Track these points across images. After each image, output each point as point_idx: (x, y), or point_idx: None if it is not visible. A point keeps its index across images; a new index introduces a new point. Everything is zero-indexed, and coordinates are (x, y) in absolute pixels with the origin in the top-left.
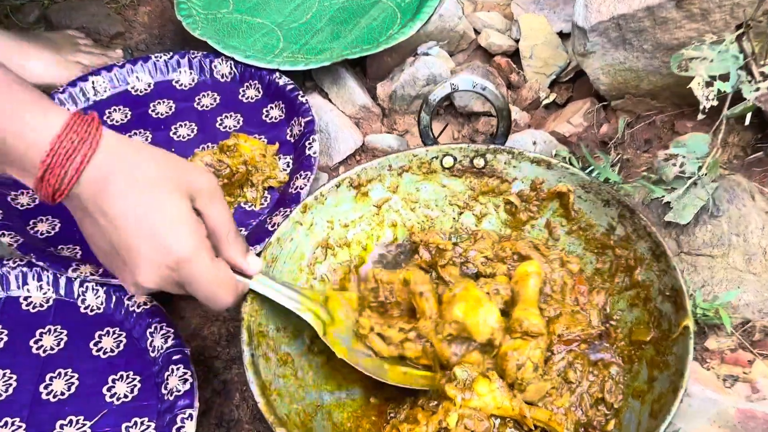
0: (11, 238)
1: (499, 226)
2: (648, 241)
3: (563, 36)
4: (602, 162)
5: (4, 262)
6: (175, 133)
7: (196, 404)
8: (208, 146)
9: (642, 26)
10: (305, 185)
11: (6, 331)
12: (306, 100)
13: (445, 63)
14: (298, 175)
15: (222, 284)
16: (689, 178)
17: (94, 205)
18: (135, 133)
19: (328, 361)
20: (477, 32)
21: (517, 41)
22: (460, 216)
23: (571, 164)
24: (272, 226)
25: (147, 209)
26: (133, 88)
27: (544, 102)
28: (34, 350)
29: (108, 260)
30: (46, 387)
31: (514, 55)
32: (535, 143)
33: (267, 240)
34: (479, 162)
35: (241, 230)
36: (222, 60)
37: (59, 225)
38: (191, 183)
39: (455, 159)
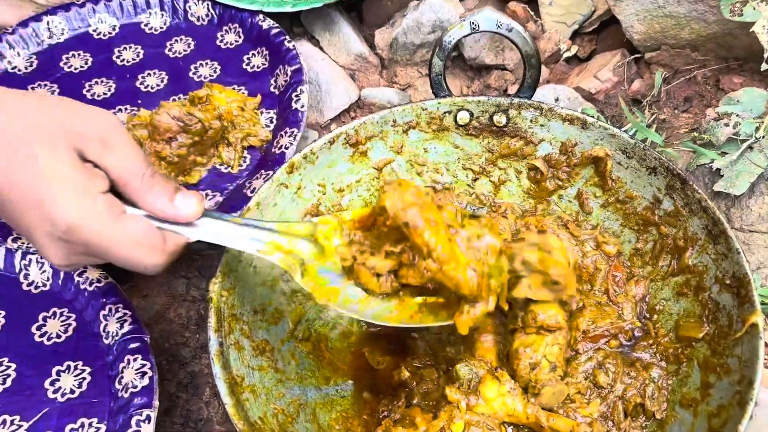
0: None
1: (521, 196)
2: (703, 217)
3: None
4: (638, 120)
5: None
6: (142, 83)
7: (156, 403)
8: (179, 98)
9: None
10: (291, 144)
11: None
12: (293, 46)
13: (454, 8)
14: (282, 133)
15: (137, 244)
16: (744, 140)
17: None
18: (96, 82)
19: (315, 348)
20: None
21: None
22: (475, 183)
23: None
24: (252, 191)
25: (24, 175)
26: (95, 30)
27: (565, 55)
28: None
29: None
30: None
31: (532, 2)
32: (557, 100)
33: (245, 206)
34: (500, 119)
35: (214, 196)
36: (198, 0)
37: None
38: (74, 130)
39: (472, 115)
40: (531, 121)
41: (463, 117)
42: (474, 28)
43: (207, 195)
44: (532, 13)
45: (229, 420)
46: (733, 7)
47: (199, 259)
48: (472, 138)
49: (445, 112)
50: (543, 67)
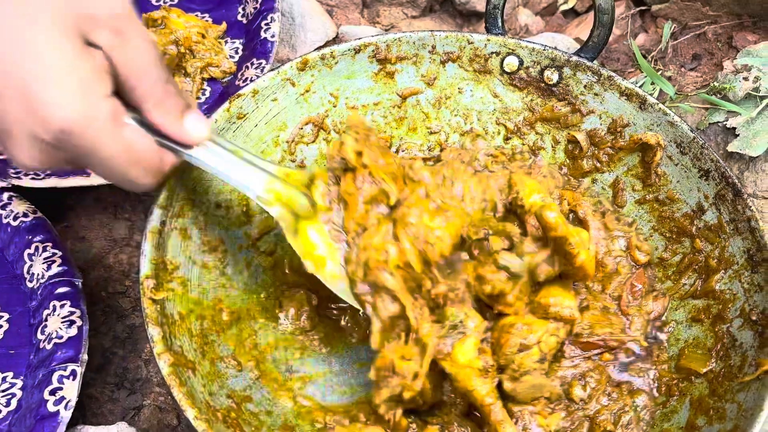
0: None
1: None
2: (748, 239)
3: None
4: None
5: None
6: None
7: (84, 357)
8: None
9: None
10: (258, 77)
11: None
12: None
13: None
14: (249, 64)
15: (134, 161)
16: (764, 97)
17: None
18: None
19: (275, 266)
20: None
21: None
22: (506, 142)
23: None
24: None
25: (14, 55)
26: None
27: (562, 7)
28: None
29: None
30: None
31: None
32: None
33: (236, 92)
34: (552, 75)
35: None
36: None
37: None
38: (83, 11)
39: (521, 63)
40: (585, 86)
41: (511, 63)
42: None
43: None
44: None
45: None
46: None
47: (147, 200)
48: (515, 90)
49: (492, 52)
50: (538, 17)
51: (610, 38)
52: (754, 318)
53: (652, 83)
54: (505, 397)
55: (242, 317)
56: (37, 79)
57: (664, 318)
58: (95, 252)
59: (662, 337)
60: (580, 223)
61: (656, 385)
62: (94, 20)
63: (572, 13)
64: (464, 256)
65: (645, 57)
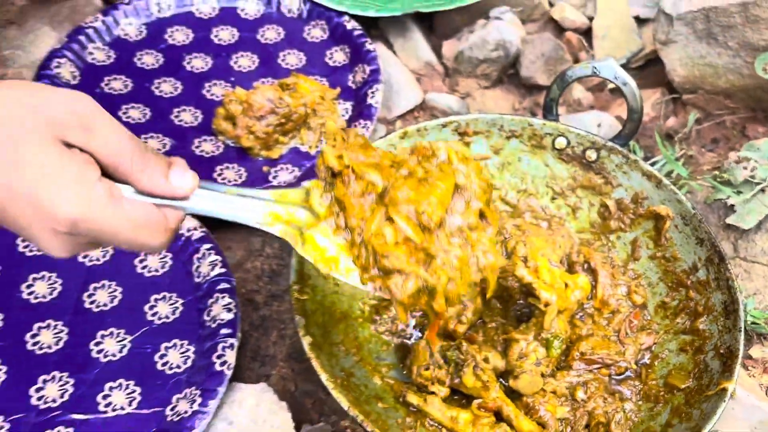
0: None
1: (587, 225)
2: (726, 294)
3: (640, 21)
4: (669, 153)
5: None
6: (236, 63)
7: (239, 335)
8: (267, 81)
9: (731, 22)
10: (363, 134)
11: None
12: (374, 48)
13: (516, 30)
14: (356, 123)
15: (140, 226)
16: (758, 183)
17: None
18: (195, 57)
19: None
20: (551, 5)
21: (591, 19)
22: (552, 201)
23: (633, 152)
24: None
25: (13, 176)
26: (197, 9)
27: (610, 86)
28: (80, 259)
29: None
30: (89, 296)
31: (586, 33)
32: (599, 126)
33: None
34: (591, 154)
35: (293, 171)
36: None
37: None
38: (53, 119)
39: (568, 142)
40: (616, 165)
41: (561, 142)
42: (595, 72)
43: (287, 169)
44: (586, 44)
45: (291, 359)
46: (765, 66)
47: None
48: (562, 162)
49: (546, 133)
50: (589, 93)
51: (647, 118)
52: (722, 351)
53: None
54: (513, 392)
55: (347, 316)
56: (39, 185)
57: (653, 349)
58: (237, 259)
59: (652, 362)
60: (592, 272)
61: (645, 395)
62: (64, 125)
63: (618, 91)
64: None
65: (672, 137)
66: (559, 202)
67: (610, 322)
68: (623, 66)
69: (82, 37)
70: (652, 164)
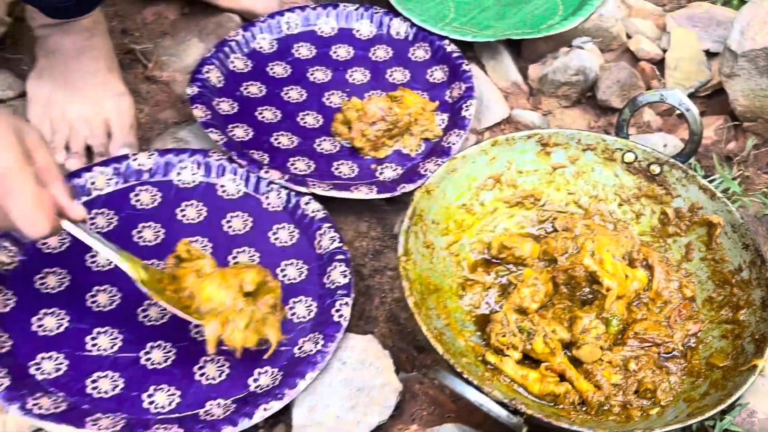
0: (218, 135)
1: (648, 229)
2: (764, 291)
3: (709, 55)
4: (726, 173)
5: (210, 153)
6: (350, 76)
7: (353, 294)
8: (377, 93)
9: None
10: (457, 141)
11: (205, 209)
12: (469, 69)
13: (596, 58)
14: (451, 132)
15: (43, 207)
16: None
17: None
18: (317, 69)
19: (458, 264)
20: (628, 36)
21: (665, 51)
22: (619, 207)
23: (694, 171)
24: (424, 170)
25: None
26: (319, 29)
27: (678, 111)
28: (224, 228)
29: None
30: (233, 258)
31: (659, 64)
32: (665, 146)
33: (452, 155)
34: (655, 168)
35: (396, 169)
36: (400, 20)
37: (252, 132)
38: (20, 127)
39: (636, 157)
40: (677, 179)
41: (629, 157)
42: (662, 98)
43: (391, 167)
44: (658, 73)
45: (389, 321)
46: None
47: (384, 210)
48: (630, 174)
49: (617, 148)
50: (659, 117)
51: (709, 141)
52: (757, 337)
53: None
54: (575, 360)
55: (439, 289)
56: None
57: (698, 335)
58: (348, 238)
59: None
60: (650, 268)
61: (685, 372)
62: (22, 130)
63: (683, 117)
64: None
65: (731, 159)
66: (624, 208)
67: (662, 310)
68: (692, 95)
69: (226, 48)
70: (711, 181)
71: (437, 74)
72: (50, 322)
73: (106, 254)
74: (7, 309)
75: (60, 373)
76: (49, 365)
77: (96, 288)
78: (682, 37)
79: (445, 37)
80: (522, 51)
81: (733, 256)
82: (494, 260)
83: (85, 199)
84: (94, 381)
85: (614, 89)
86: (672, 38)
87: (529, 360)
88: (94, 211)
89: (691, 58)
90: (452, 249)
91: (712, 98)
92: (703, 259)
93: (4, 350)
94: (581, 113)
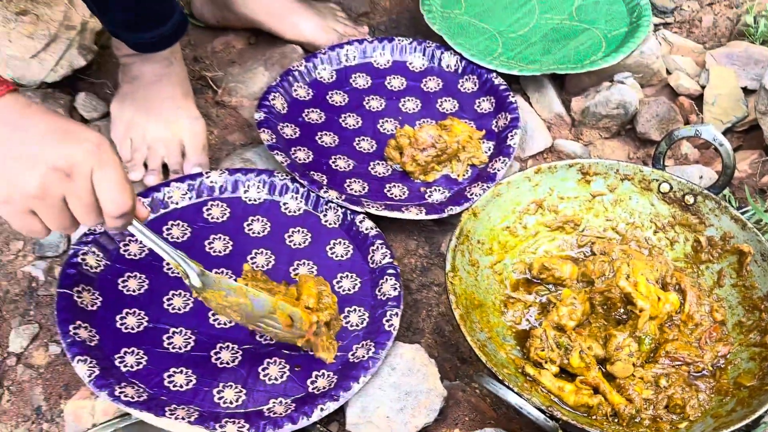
0: (282, 157)
1: (682, 256)
2: None
3: (747, 92)
4: (758, 205)
5: (274, 173)
6: (403, 105)
7: (402, 306)
8: (427, 121)
9: None
10: (502, 168)
11: (269, 224)
12: (515, 100)
13: (636, 93)
14: (497, 159)
15: (130, 183)
16: None
17: None
18: (373, 98)
19: (501, 283)
20: (668, 72)
21: (703, 87)
22: (654, 234)
23: (728, 202)
24: (470, 194)
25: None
26: (375, 61)
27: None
28: (287, 242)
29: None
30: (294, 269)
31: (698, 99)
32: (701, 178)
33: (497, 181)
34: (689, 199)
35: (444, 192)
36: (450, 53)
37: (312, 155)
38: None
39: (671, 187)
40: (710, 209)
41: (665, 187)
42: (696, 134)
43: (439, 191)
44: (696, 108)
45: (435, 333)
46: None
47: (433, 231)
48: (665, 203)
49: (654, 179)
50: (696, 150)
51: (744, 174)
52: None
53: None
54: (608, 375)
55: (483, 305)
56: (15, 167)
57: (727, 356)
58: (398, 255)
59: (726, 366)
60: (682, 292)
61: (714, 391)
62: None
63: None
64: None
65: (765, 191)
66: (660, 235)
67: (693, 332)
68: (728, 129)
69: (290, 78)
70: (744, 212)
71: (484, 105)
72: (132, 321)
73: (161, 254)
74: (95, 308)
75: (140, 366)
76: (131, 359)
77: (172, 292)
78: (721, 74)
79: (493, 71)
80: (565, 84)
81: (763, 283)
82: (535, 280)
83: (162, 211)
84: (170, 375)
85: (653, 122)
86: (711, 75)
87: (566, 373)
88: (170, 222)
89: (729, 94)
90: (496, 268)
91: (749, 133)
92: (733, 286)
93: (93, 344)
94: (621, 144)
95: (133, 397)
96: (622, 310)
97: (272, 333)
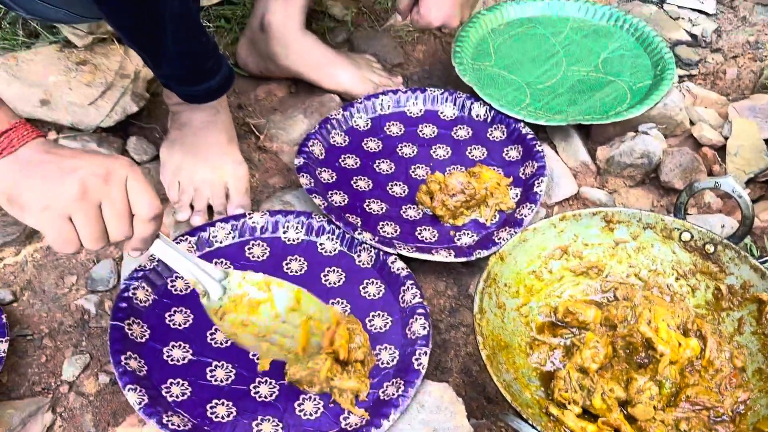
0: (320, 200)
1: (703, 302)
2: None
3: None
4: None
5: (312, 215)
6: (434, 152)
7: (431, 345)
8: (457, 167)
9: None
10: (528, 214)
11: (306, 264)
12: (542, 149)
13: (660, 143)
14: (523, 206)
15: (156, 196)
16: None
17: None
18: (405, 145)
19: (527, 325)
20: (692, 123)
21: (726, 138)
22: (676, 281)
23: (750, 252)
24: (497, 239)
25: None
26: (408, 110)
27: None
28: (322, 281)
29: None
30: None
31: (720, 150)
32: (723, 227)
33: (524, 226)
34: (710, 248)
35: (472, 236)
36: (480, 103)
37: (348, 199)
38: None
39: (692, 236)
40: (729, 258)
41: (686, 236)
42: (716, 185)
43: (468, 234)
44: (719, 158)
45: (463, 373)
46: None
47: (460, 272)
48: (686, 251)
49: (675, 228)
50: (719, 199)
51: (765, 224)
52: None
53: None
54: (630, 417)
55: (509, 346)
56: (51, 188)
57: (747, 403)
58: (427, 296)
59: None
60: (703, 338)
61: None
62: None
63: None
64: None
65: None
66: (681, 282)
67: (713, 378)
68: (751, 180)
69: (328, 125)
70: (763, 262)
71: (512, 153)
72: (177, 353)
73: (181, 271)
74: (144, 340)
75: (185, 397)
76: (176, 389)
77: (214, 327)
78: (743, 126)
79: (521, 120)
80: (591, 133)
81: None
82: (560, 323)
83: (207, 249)
84: (212, 407)
85: (676, 172)
86: (733, 127)
87: (588, 414)
88: (215, 260)
89: (752, 146)
90: (522, 311)
91: None
92: (753, 333)
93: (142, 374)
94: (645, 193)
95: (179, 426)
96: (643, 355)
97: (285, 349)
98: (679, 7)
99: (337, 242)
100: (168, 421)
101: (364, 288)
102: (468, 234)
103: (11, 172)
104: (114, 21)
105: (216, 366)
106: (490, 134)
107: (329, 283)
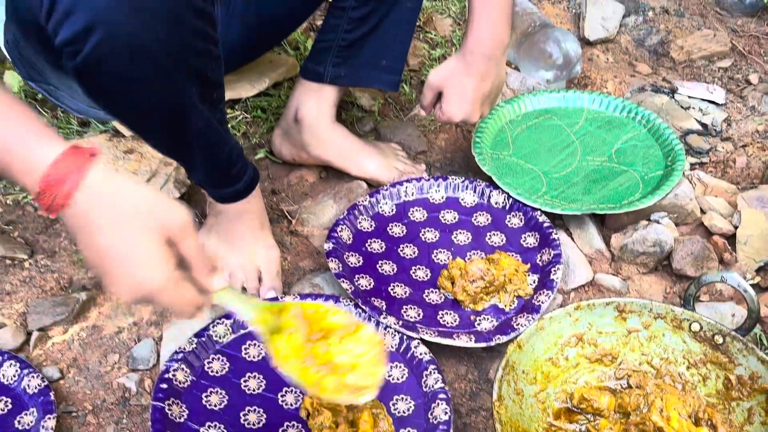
0: (347, 285)
1: (713, 392)
2: None
3: None
4: None
5: (340, 299)
6: (455, 237)
7: (452, 430)
8: (477, 253)
9: None
10: (545, 301)
11: None
12: (558, 237)
13: (671, 232)
14: (540, 292)
15: (185, 303)
16: None
17: (82, 234)
18: (428, 230)
19: (543, 411)
20: (702, 212)
21: (736, 227)
22: (687, 370)
23: (761, 342)
24: (516, 324)
25: (125, 247)
26: (431, 197)
27: (750, 283)
28: None
29: (93, 270)
30: None
31: (731, 238)
32: (734, 315)
33: (541, 313)
34: (719, 339)
35: (492, 321)
36: (498, 191)
37: (373, 283)
38: (164, 220)
39: (701, 327)
40: (738, 349)
41: (695, 327)
42: (722, 279)
43: (488, 319)
44: (729, 247)
45: None
46: None
47: (475, 356)
48: (696, 341)
49: (685, 319)
50: (729, 287)
51: None
52: None
53: None
54: None
55: None
56: (139, 264)
57: None
58: (448, 379)
59: None
60: (714, 428)
61: None
62: (170, 226)
63: (756, 287)
64: None
65: None
66: (692, 371)
67: None
68: (761, 268)
69: (355, 211)
70: None
71: (529, 240)
72: None
73: (241, 315)
74: (182, 419)
75: None
76: None
77: (248, 408)
78: (752, 216)
79: (537, 209)
80: (605, 221)
81: None
82: (575, 409)
83: (242, 331)
84: None
85: (688, 260)
86: (742, 217)
87: None
88: (248, 342)
89: (761, 235)
90: (539, 397)
91: None
92: (763, 423)
93: None
94: (658, 279)
95: None
96: None
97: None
98: (689, 97)
99: None
100: None
101: (388, 372)
102: (488, 319)
103: None
104: (143, 136)
105: None
106: (509, 221)
107: None
